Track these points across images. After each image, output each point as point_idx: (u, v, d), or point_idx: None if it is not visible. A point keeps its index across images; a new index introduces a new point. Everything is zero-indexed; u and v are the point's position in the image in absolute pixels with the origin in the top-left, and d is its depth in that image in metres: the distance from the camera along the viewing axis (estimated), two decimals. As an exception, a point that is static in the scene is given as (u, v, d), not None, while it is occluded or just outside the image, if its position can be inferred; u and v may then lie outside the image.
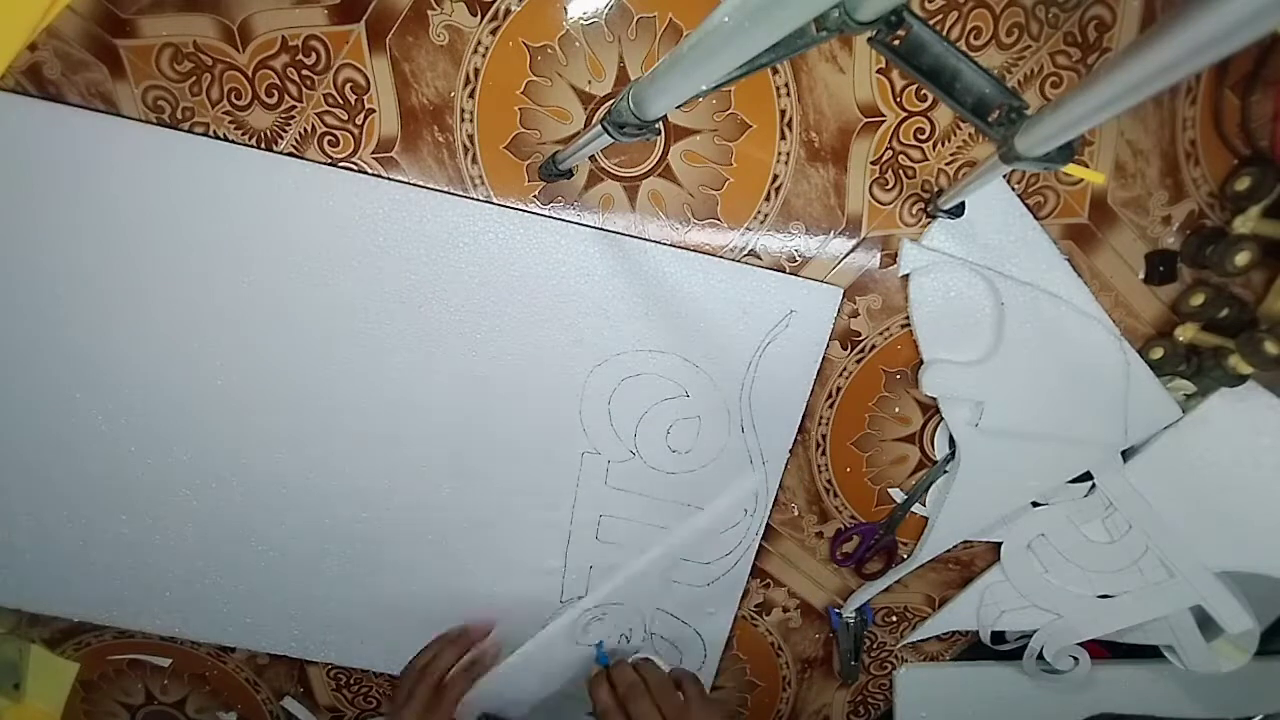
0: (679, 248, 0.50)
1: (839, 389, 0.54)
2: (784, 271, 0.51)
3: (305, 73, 0.46)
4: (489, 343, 0.51)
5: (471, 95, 0.46)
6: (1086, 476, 0.56)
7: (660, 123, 0.35)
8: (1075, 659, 0.62)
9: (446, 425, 0.53)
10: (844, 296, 0.52)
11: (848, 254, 0.51)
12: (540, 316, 0.50)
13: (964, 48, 0.33)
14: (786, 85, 0.48)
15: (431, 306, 0.50)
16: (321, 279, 0.49)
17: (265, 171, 0.46)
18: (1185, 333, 0.52)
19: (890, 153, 0.49)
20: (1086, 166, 0.50)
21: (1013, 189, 0.50)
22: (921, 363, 0.53)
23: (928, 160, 0.50)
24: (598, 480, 0.55)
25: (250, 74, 0.45)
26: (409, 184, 0.48)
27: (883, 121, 0.49)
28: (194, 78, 0.45)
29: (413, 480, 0.54)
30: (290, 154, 0.47)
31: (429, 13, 0.45)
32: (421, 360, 0.51)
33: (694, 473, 0.55)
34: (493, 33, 0.45)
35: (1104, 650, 0.64)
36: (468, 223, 0.48)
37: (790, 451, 0.55)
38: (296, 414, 0.52)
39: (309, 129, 0.47)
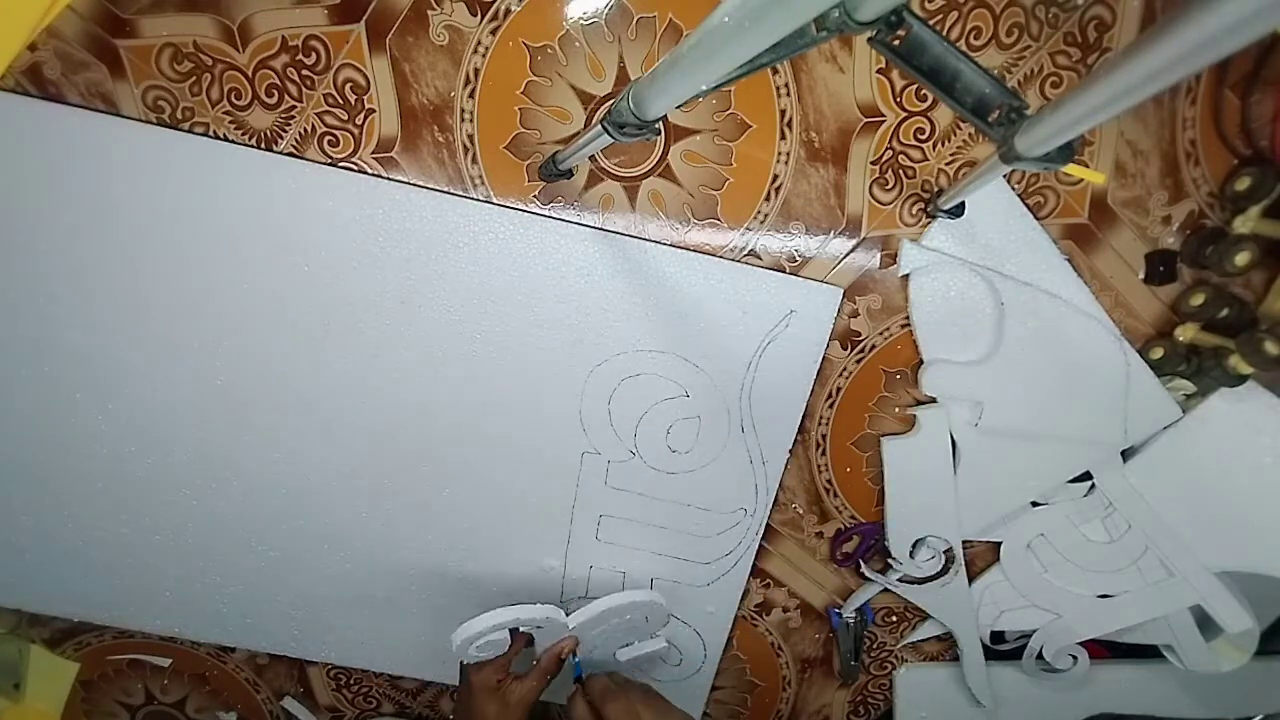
0: (679, 248, 0.50)
1: (839, 389, 0.54)
2: (784, 271, 0.51)
3: (305, 73, 0.46)
4: (489, 343, 0.51)
5: (471, 95, 0.46)
6: (1086, 476, 0.56)
7: (660, 123, 0.35)
8: (1074, 658, 0.62)
9: (447, 426, 0.53)
10: (844, 296, 0.52)
11: (848, 254, 0.51)
12: (540, 316, 0.50)
13: (964, 48, 0.33)
14: (786, 85, 0.48)
15: (431, 306, 0.50)
16: (321, 279, 0.49)
17: (265, 171, 0.46)
18: (1185, 333, 0.52)
19: (890, 153, 0.49)
20: (1086, 166, 0.50)
21: (1013, 189, 0.50)
22: (921, 363, 0.53)
23: (928, 160, 0.50)
24: (598, 480, 0.55)
25: (250, 74, 0.45)
26: (409, 184, 0.47)
27: (883, 121, 0.49)
28: (194, 78, 0.45)
29: (413, 481, 0.54)
30: (290, 154, 0.47)
31: (429, 13, 0.45)
32: (421, 360, 0.51)
33: (694, 473, 0.55)
34: (493, 33, 0.45)
35: (1104, 650, 0.64)
36: (468, 223, 0.48)
37: (790, 451, 0.55)
38: (296, 414, 0.52)
39: (309, 129, 0.47)
